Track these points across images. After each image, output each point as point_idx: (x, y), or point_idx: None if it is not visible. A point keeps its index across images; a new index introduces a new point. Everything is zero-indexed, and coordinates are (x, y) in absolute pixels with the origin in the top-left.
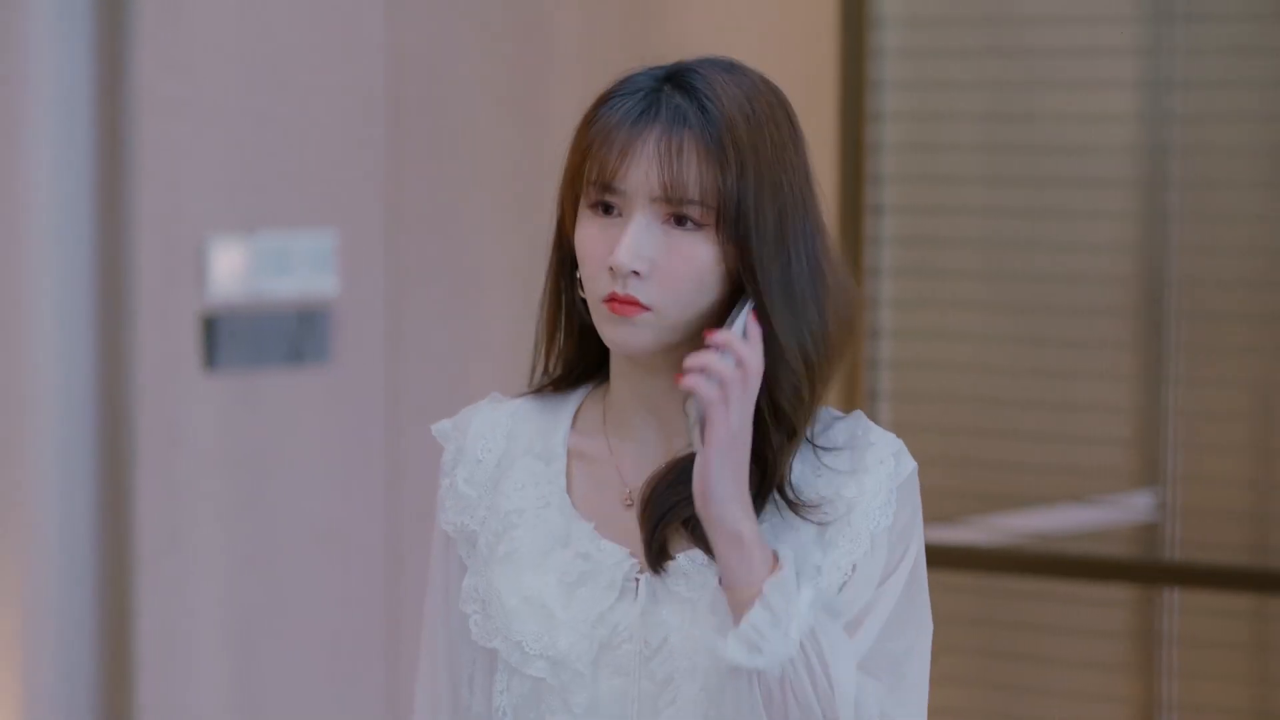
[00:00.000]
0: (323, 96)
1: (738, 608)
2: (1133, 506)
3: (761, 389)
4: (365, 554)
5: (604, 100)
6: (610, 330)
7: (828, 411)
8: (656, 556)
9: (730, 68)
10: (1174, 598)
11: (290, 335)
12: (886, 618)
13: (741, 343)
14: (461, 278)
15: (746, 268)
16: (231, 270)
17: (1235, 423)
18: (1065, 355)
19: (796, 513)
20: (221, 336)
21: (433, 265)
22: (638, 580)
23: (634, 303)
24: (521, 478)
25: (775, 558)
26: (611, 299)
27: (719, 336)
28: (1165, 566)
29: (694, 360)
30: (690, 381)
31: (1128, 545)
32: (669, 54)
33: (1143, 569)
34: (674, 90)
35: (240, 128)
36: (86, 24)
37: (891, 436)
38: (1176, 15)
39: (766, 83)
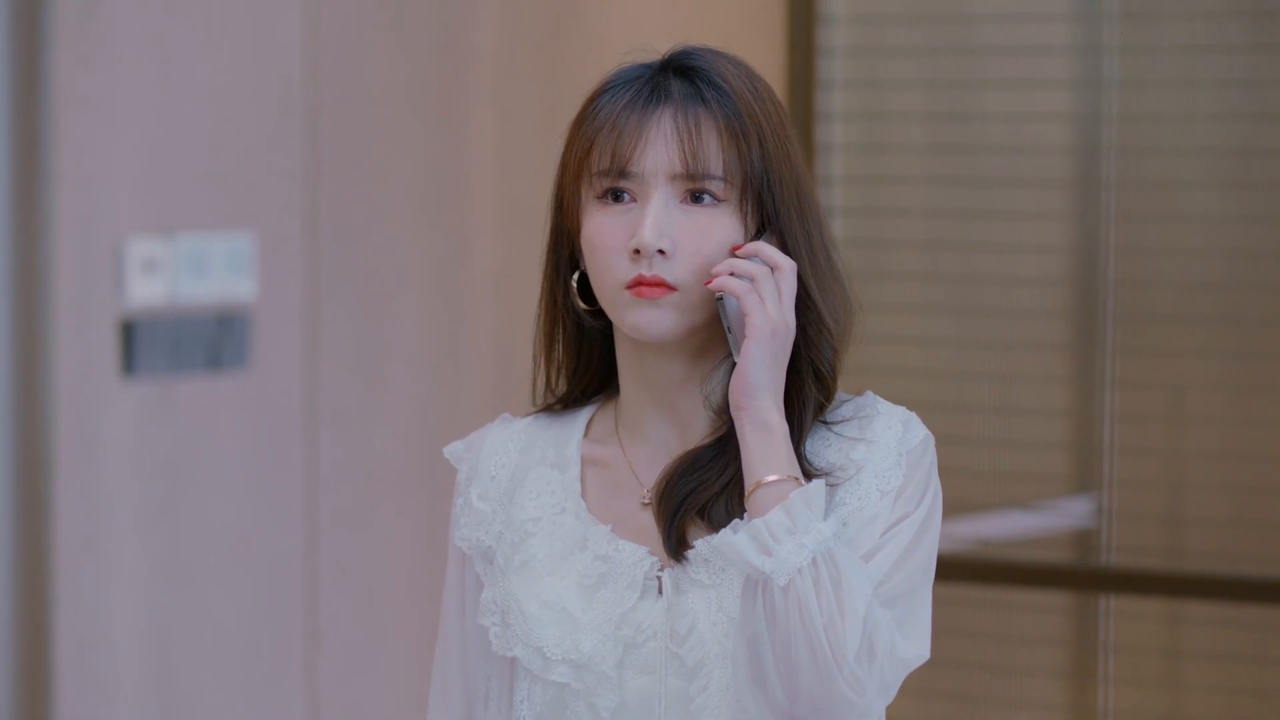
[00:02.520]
0: (241, 98)
1: (757, 513)
2: (1070, 511)
3: (802, 354)
4: (283, 560)
5: (600, 93)
6: (634, 316)
7: (837, 394)
8: (676, 546)
9: (720, 52)
10: (1111, 604)
11: (209, 340)
12: (895, 558)
13: (769, 247)
14: (379, 282)
15: (776, 238)
16: (149, 273)
17: (1171, 426)
18: (1006, 358)
19: (810, 478)
20: (140, 342)
21: (350, 269)
22: (659, 578)
23: (661, 284)
24: (536, 487)
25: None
26: (637, 283)
27: (746, 248)
28: (1102, 572)
29: (721, 266)
30: (719, 281)
31: (1065, 551)
32: (600, 60)
33: (1080, 575)
34: (675, 75)
35: (158, 129)
36: (2, 22)
37: (902, 409)
38: (1117, 14)
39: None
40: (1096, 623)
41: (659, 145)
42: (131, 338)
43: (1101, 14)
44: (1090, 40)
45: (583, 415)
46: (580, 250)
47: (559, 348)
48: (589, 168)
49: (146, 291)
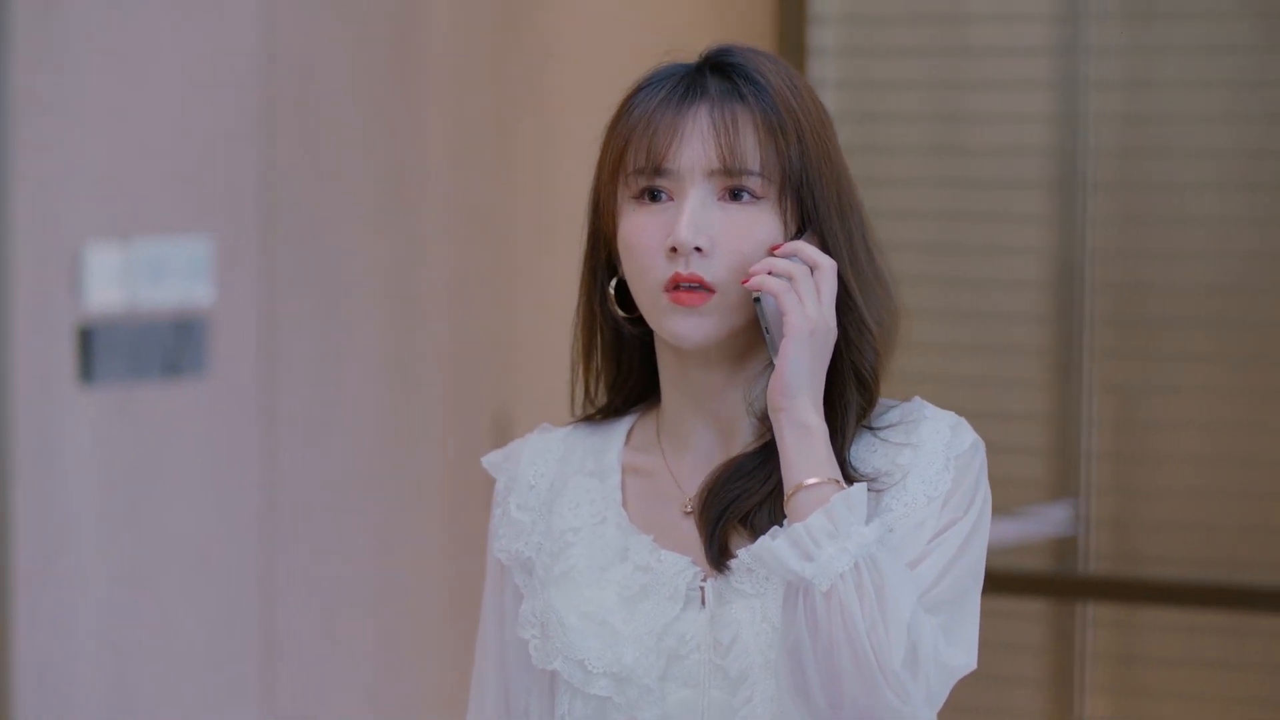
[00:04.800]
0: (198, 102)
1: (797, 517)
2: (1050, 518)
3: (843, 356)
4: (241, 567)
5: (635, 91)
6: (673, 323)
7: (882, 400)
8: (718, 556)
9: (759, 50)
10: (1090, 611)
11: (166, 347)
12: (942, 565)
13: (808, 246)
14: (335, 286)
15: (816, 237)
16: (107, 278)
17: (1149, 432)
18: (989, 363)
19: (853, 483)
20: (98, 349)
21: (306, 273)
22: (703, 588)
23: (698, 282)
24: (576, 497)
25: (847, 485)
26: (675, 285)
27: (785, 247)
28: (1081, 580)
29: (759, 265)
30: (756, 280)
31: (1045, 558)
32: (555, 61)
33: (1059, 583)
34: (712, 72)
35: (115, 133)
36: None
37: (950, 414)
38: (1114, 14)
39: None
40: (1075, 630)
41: (695, 141)
42: (90, 344)
43: (1094, 14)
44: (1081, 41)
45: (624, 424)
46: (618, 255)
47: (597, 356)
48: (624, 167)
49: (105, 297)
